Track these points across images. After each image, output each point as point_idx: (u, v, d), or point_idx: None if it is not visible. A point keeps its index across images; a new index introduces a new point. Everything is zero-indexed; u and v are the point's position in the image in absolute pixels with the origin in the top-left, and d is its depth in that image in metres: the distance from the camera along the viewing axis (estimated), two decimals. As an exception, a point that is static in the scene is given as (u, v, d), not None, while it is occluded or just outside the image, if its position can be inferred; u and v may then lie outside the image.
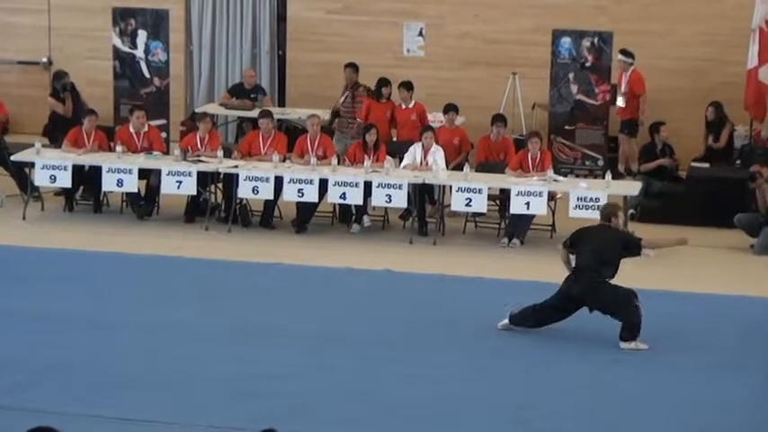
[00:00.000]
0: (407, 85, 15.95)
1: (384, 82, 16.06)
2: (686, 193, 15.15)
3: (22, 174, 14.88)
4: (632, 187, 14.49)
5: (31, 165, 14.52)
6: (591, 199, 13.59)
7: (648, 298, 12.15)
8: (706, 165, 15.93)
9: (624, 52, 16.52)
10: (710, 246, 14.08)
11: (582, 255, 10.80)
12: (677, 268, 13.26)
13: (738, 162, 16.13)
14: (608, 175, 14.26)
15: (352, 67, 16.64)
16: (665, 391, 9.72)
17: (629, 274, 12.89)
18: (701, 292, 12.31)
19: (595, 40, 16.29)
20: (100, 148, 14.83)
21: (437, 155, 14.47)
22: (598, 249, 10.74)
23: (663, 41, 17.35)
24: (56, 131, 15.91)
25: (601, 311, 10.66)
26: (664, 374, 10.07)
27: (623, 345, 10.60)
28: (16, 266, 12.64)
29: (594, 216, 13.64)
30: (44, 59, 18.88)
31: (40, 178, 14.44)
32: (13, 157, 14.80)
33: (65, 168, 14.31)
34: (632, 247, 10.90)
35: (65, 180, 14.39)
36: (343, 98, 16.45)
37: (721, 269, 13.31)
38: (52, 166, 14.33)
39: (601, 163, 16.38)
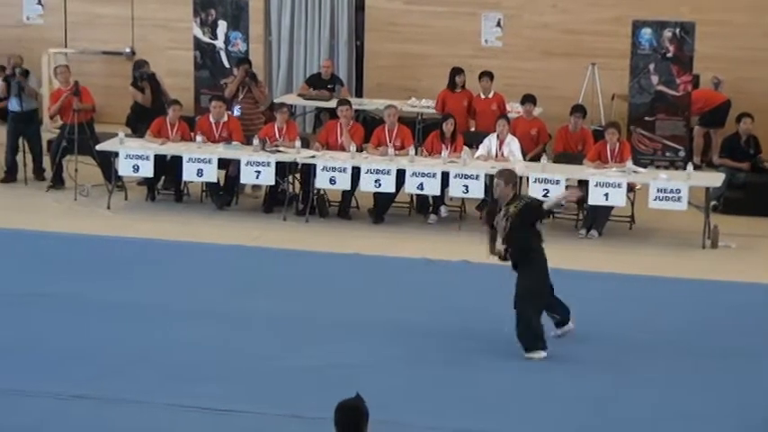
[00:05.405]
0: (488, 75, 15.90)
1: (457, 71, 16.01)
2: (771, 184, 14.95)
3: (106, 163, 15.10)
4: (715, 178, 14.30)
5: (115, 154, 14.74)
6: (671, 190, 13.46)
7: (727, 289, 12.03)
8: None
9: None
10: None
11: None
12: (760, 260, 13.09)
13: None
14: (689, 166, 14.11)
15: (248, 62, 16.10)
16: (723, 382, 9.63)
17: (708, 266, 12.78)
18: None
19: (677, 30, 16.11)
20: (182, 139, 15.01)
21: (513, 145, 14.42)
22: None
23: (745, 32, 17.11)
24: (136, 121, 16.12)
25: None
26: (735, 365, 9.98)
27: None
28: (101, 256, 12.80)
29: (675, 207, 13.52)
30: (127, 50, 19.13)
31: (123, 168, 14.64)
32: (97, 147, 15.02)
33: (147, 158, 14.50)
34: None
35: (147, 170, 14.57)
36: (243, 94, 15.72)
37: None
38: (135, 156, 14.53)
39: (682, 154, 16.21)
